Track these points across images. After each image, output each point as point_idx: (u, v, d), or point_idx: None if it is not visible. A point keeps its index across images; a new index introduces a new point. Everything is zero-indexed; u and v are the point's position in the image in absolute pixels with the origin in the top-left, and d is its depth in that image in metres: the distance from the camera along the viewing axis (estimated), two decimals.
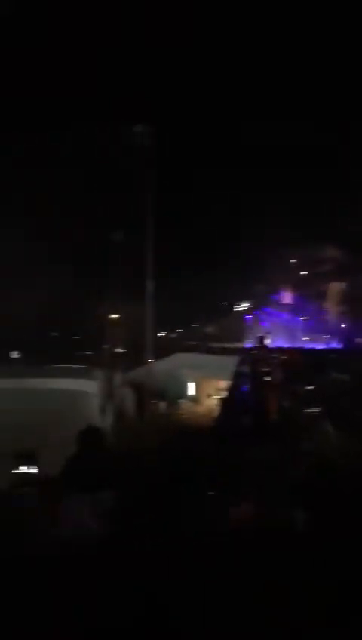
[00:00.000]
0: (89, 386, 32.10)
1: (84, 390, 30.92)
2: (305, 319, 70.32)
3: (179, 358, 36.56)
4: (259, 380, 13.98)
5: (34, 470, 3.04)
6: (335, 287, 69.54)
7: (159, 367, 28.03)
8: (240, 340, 69.62)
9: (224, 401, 15.28)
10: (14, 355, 67.94)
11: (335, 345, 58.65)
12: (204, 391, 29.74)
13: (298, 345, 60.93)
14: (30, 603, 1.92)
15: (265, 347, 49.64)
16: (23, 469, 3.07)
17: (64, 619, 1.90)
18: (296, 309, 73.48)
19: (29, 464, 3.10)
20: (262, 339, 63.06)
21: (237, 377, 16.20)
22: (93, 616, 1.93)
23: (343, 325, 62.82)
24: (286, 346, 58.64)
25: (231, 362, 21.23)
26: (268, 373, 14.80)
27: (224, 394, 17.85)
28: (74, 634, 1.85)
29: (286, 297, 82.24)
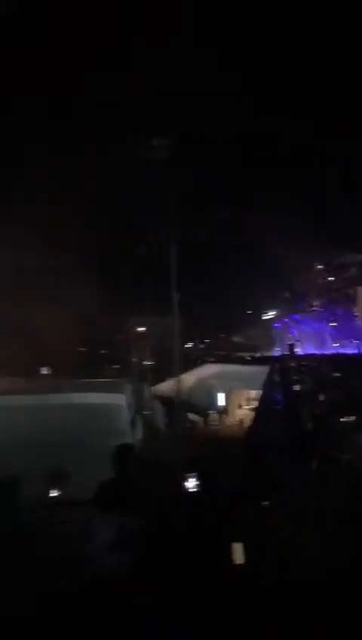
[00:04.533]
0: (120, 400, 31.99)
1: (116, 403, 30.79)
2: (333, 325, 69.32)
3: (208, 369, 36.27)
4: (291, 388, 13.71)
5: (55, 493, 2.89)
6: None
7: (188, 379, 27.82)
8: (269, 348, 69.02)
9: (255, 412, 14.99)
10: (44, 371, 68.41)
11: None
12: (234, 402, 29.40)
13: (328, 351, 60.05)
14: (53, 628, 1.83)
15: (295, 355, 49.00)
16: (55, 492, 2.96)
17: None
18: (324, 315, 72.56)
19: (62, 485, 2.99)
20: (291, 346, 62.00)
21: (268, 387, 15.90)
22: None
23: None
24: (316, 352, 57.96)
25: (261, 372, 20.89)
26: (299, 382, 14.52)
27: (255, 404, 17.54)
28: None
29: (314, 304, 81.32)
